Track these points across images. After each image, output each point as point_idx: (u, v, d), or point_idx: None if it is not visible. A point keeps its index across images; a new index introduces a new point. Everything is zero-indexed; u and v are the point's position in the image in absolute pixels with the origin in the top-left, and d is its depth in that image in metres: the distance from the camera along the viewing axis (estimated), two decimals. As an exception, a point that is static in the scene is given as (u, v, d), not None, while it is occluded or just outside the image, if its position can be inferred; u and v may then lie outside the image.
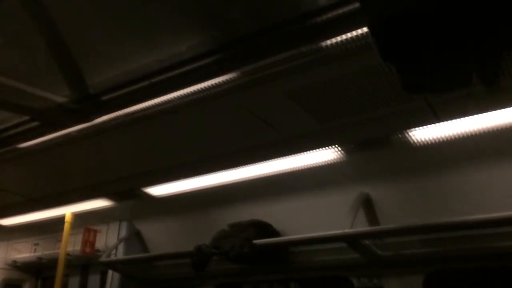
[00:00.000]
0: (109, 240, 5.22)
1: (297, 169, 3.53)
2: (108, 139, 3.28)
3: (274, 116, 2.88)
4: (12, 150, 3.44)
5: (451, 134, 2.89)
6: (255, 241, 3.78)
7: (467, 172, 3.23)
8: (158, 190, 4.27)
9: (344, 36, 2.10)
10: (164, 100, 2.68)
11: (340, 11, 1.95)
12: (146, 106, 2.76)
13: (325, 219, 3.74)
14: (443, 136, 2.92)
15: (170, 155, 3.55)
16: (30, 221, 5.43)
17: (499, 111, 2.62)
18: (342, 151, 3.23)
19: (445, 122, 2.76)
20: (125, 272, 5.12)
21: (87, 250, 5.20)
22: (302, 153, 3.31)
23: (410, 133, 2.91)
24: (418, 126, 2.83)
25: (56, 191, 4.51)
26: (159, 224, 5.02)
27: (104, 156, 3.66)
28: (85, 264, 5.73)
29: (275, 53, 2.23)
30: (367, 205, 3.62)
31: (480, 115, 2.67)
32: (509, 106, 2.58)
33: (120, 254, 5.02)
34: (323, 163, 3.41)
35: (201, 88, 2.54)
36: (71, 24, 2.22)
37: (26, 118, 2.95)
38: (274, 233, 4.04)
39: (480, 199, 3.19)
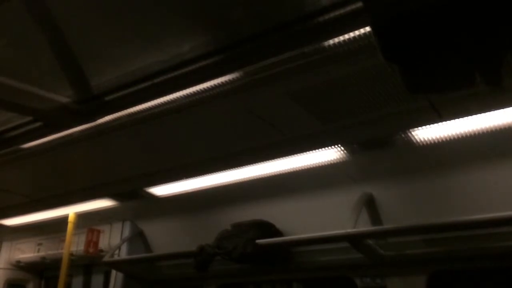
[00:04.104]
0: (112, 240, 5.24)
1: (300, 169, 3.53)
2: (111, 139, 3.29)
3: (277, 116, 2.87)
4: (16, 151, 3.45)
5: (454, 133, 2.89)
6: (258, 241, 3.78)
7: (470, 171, 3.23)
8: (161, 190, 4.27)
9: (346, 36, 2.09)
10: (167, 100, 2.69)
11: (342, 11, 1.95)
12: (149, 107, 2.76)
13: (328, 219, 3.74)
14: (446, 135, 2.91)
15: (173, 155, 3.55)
16: (34, 221, 5.45)
17: (502, 110, 2.61)
18: (345, 151, 3.23)
19: (448, 122, 2.75)
20: (128, 272, 5.13)
21: (91, 250, 5.21)
22: (305, 153, 3.30)
23: (413, 133, 2.91)
24: (421, 125, 2.82)
25: (59, 191, 4.52)
26: (162, 224, 5.03)
27: (107, 156, 3.67)
28: (89, 264, 5.74)
29: (278, 53, 2.23)
30: (370, 205, 3.62)
31: (483, 114, 2.66)
32: (512, 106, 2.58)
33: (123, 254, 5.03)
34: (326, 163, 3.41)
35: (204, 88, 2.54)
36: (74, 25, 2.22)
37: (29, 118, 2.95)
38: (277, 233, 4.05)
39: (484, 199, 3.18)
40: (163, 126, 3.05)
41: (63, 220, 4.91)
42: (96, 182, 4.23)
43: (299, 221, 4.00)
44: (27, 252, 6.18)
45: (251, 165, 3.57)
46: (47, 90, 2.60)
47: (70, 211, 4.87)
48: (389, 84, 2.43)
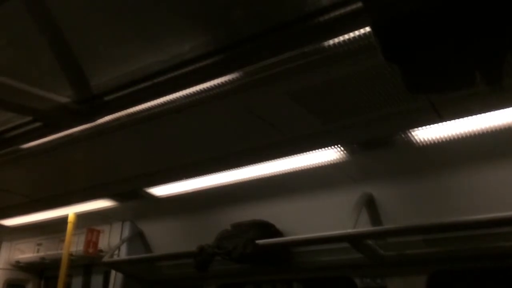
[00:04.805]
0: (112, 240, 5.24)
1: (300, 169, 3.53)
2: (111, 139, 3.29)
3: (277, 116, 2.87)
4: (15, 151, 3.45)
5: (454, 133, 2.89)
6: (258, 241, 3.78)
7: (470, 171, 3.23)
8: (161, 191, 4.27)
9: (347, 36, 2.09)
10: (167, 101, 2.68)
11: (342, 11, 1.95)
12: (149, 107, 2.76)
13: (328, 219, 3.74)
14: (446, 135, 2.91)
15: (173, 155, 3.55)
16: (33, 221, 5.45)
17: (502, 110, 2.61)
18: (345, 151, 3.23)
19: (448, 122, 2.75)
20: (128, 272, 5.13)
21: (90, 250, 5.21)
22: (304, 153, 3.30)
23: (413, 133, 2.91)
24: (421, 126, 2.82)
25: (59, 191, 4.51)
26: (162, 224, 5.03)
27: (107, 156, 3.66)
28: (88, 264, 5.74)
29: (278, 53, 2.23)
30: (370, 205, 3.62)
31: (483, 114, 2.66)
32: (513, 106, 2.57)
33: (123, 254, 5.03)
34: (326, 163, 3.41)
35: (204, 88, 2.54)
36: (74, 25, 2.22)
37: (29, 118, 2.95)
38: (277, 233, 4.05)
39: (484, 199, 3.19)
40: (163, 126, 3.05)
41: (63, 220, 4.91)
42: (96, 182, 4.23)
43: (299, 221, 4.00)
44: (26, 252, 6.18)
45: (251, 165, 3.56)
46: (47, 90, 2.60)
47: (70, 211, 4.87)
48: (389, 84, 2.43)
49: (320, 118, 2.86)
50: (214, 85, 2.51)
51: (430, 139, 2.96)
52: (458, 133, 2.87)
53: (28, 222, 5.49)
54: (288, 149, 3.27)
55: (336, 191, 3.77)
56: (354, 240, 3.41)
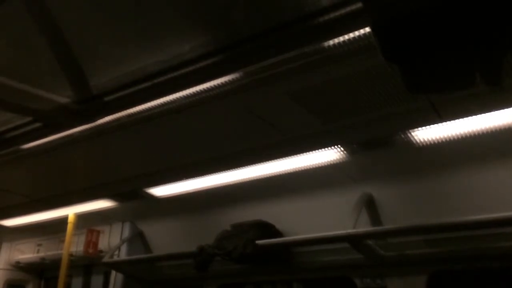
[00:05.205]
0: (112, 240, 5.24)
1: (299, 169, 3.53)
2: (111, 140, 3.29)
3: (277, 116, 2.87)
4: (15, 151, 3.45)
5: (454, 134, 2.89)
6: (258, 242, 3.78)
7: (470, 172, 3.23)
8: (161, 191, 4.27)
9: (346, 36, 2.09)
10: (167, 101, 2.68)
11: (342, 11, 1.95)
12: (149, 107, 2.76)
13: (327, 220, 3.74)
14: (446, 136, 2.91)
15: (173, 155, 3.55)
16: (33, 221, 5.45)
17: (502, 110, 2.61)
18: (345, 152, 3.23)
19: (448, 122, 2.75)
20: (128, 272, 5.13)
21: (90, 250, 5.21)
22: (304, 154, 3.30)
23: (413, 133, 2.91)
24: (421, 126, 2.82)
25: (59, 192, 4.52)
26: (162, 224, 5.03)
27: (107, 156, 3.67)
28: (88, 264, 5.75)
29: (278, 53, 2.23)
30: (370, 206, 3.62)
31: (483, 114, 2.66)
32: (513, 106, 2.57)
33: (123, 254, 5.03)
34: (326, 164, 3.41)
35: (204, 89, 2.54)
36: (74, 25, 2.22)
37: (29, 119, 2.95)
38: (277, 233, 4.05)
39: (484, 199, 3.19)
40: (163, 126, 3.05)
41: (63, 220, 4.91)
42: (96, 182, 4.23)
43: (299, 222, 4.00)
44: (26, 252, 6.18)
45: (251, 165, 3.56)
46: (47, 90, 2.60)
47: (70, 211, 4.87)
48: (389, 84, 2.43)
49: (320, 118, 2.86)
50: (214, 85, 2.51)
51: (430, 139, 2.96)
52: (458, 133, 2.87)
53: (28, 222, 5.49)
54: (288, 149, 3.27)
55: (336, 191, 3.77)
56: (354, 240, 3.41)
